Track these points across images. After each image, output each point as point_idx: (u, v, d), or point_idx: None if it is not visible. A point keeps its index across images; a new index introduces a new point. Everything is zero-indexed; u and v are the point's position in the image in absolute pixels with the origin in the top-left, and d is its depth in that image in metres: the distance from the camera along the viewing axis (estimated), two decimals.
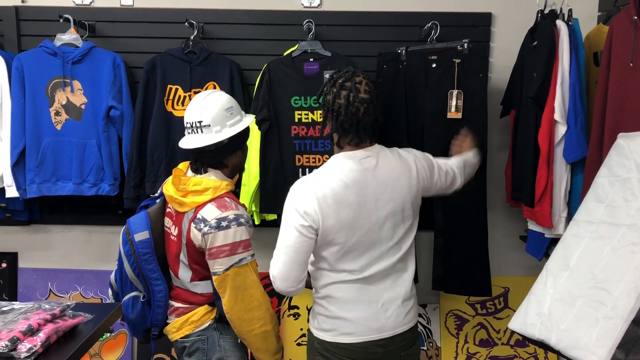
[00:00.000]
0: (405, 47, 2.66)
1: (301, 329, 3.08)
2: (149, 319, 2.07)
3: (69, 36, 2.68)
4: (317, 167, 2.67)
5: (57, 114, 2.67)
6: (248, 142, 2.67)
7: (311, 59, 2.67)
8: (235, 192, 2.11)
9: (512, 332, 3.01)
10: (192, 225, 1.91)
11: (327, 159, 2.66)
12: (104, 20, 2.88)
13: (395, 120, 2.62)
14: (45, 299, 3.08)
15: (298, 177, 2.65)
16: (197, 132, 1.97)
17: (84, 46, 2.67)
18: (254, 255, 1.97)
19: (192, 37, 2.73)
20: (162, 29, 2.88)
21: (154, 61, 2.72)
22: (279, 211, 2.68)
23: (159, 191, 2.18)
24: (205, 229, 1.86)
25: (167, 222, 2.08)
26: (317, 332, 1.93)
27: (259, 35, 2.89)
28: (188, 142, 2.00)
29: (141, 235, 1.98)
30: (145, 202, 2.17)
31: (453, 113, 2.57)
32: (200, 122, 1.96)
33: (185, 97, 2.73)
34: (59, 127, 2.68)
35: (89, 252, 3.10)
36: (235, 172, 2.11)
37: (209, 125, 1.95)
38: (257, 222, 2.77)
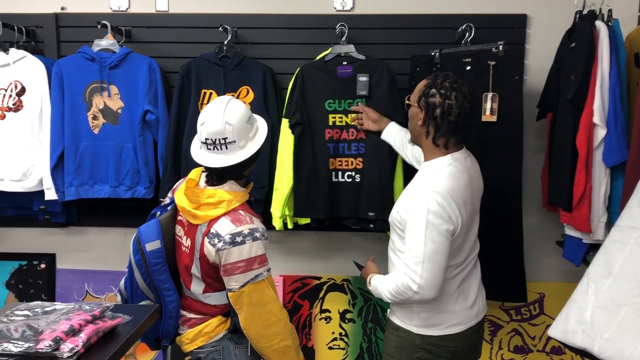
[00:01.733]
0: (439, 50, 2.64)
1: (332, 333, 3.07)
2: (160, 329, 2.03)
3: (107, 42, 2.73)
4: (350, 170, 2.70)
5: (95, 118, 2.73)
6: (281, 146, 2.73)
7: (344, 62, 2.66)
8: (249, 201, 2.08)
9: (548, 339, 2.99)
10: (206, 239, 1.86)
11: (361, 162, 2.70)
12: (139, 26, 2.93)
13: None
14: (82, 299, 3.14)
15: (331, 181, 2.71)
16: (221, 149, 1.88)
17: (120, 51, 2.72)
18: (270, 270, 1.92)
19: (225, 42, 2.76)
20: (197, 34, 2.91)
21: (188, 66, 2.75)
22: (312, 215, 2.70)
23: (169, 198, 2.15)
24: (220, 244, 1.82)
25: (179, 230, 2.04)
26: (420, 329, 1.96)
27: (292, 40, 2.90)
28: (212, 160, 1.90)
29: (152, 245, 1.91)
30: (155, 209, 2.12)
31: (488, 116, 2.54)
32: (225, 138, 1.87)
33: None
34: (96, 131, 2.73)
35: (124, 253, 3.09)
36: (249, 179, 2.09)
37: (235, 142, 1.88)
38: (289, 226, 2.78)
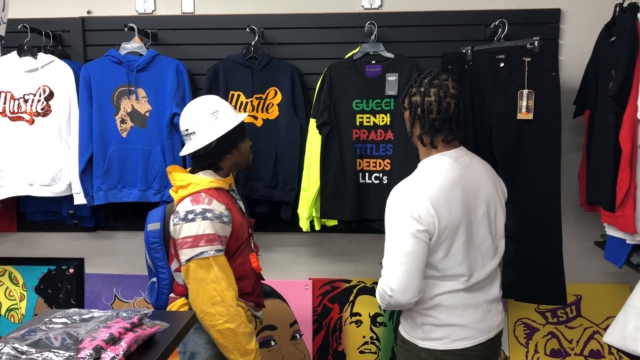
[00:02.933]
0: (471, 47, 2.57)
1: (364, 337, 3.02)
2: (154, 303, 2.23)
3: (133, 45, 2.71)
4: (378, 171, 2.65)
5: (123, 121, 2.71)
6: (308, 146, 2.69)
7: (373, 61, 2.61)
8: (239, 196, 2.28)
9: (586, 342, 2.90)
10: (172, 217, 2.04)
11: (389, 163, 2.64)
12: (166, 28, 2.91)
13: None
14: (111, 304, 3.13)
15: (358, 182, 2.67)
16: (188, 140, 2.14)
17: (147, 54, 2.70)
18: (221, 251, 1.99)
19: (253, 43, 2.73)
20: (223, 36, 2.89)
21: (216, 68, 2.72)
22: (339, 216, 2.66)
23: None
24: (175, 219, 1.99)
25: None
26: (425, 342, 1.87)
27: (320, 39, 2.86)
28: (183, 149, 2.18)
29: (153, 226, 2.15)
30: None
31: (524, 114, 2.47)
32: (187, 130, 2.13)
33: (247, 103, 2.72)
34: (124, 134, 2.71)
35: None
36: (233, 170, 2.21)
37: (195, 132, 2.10)
38: (317, 228, 2.74)
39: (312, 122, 2.66)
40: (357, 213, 2.65)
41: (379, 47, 2.62)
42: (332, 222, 2.74)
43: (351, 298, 3.05)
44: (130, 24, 2.70)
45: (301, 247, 3.06)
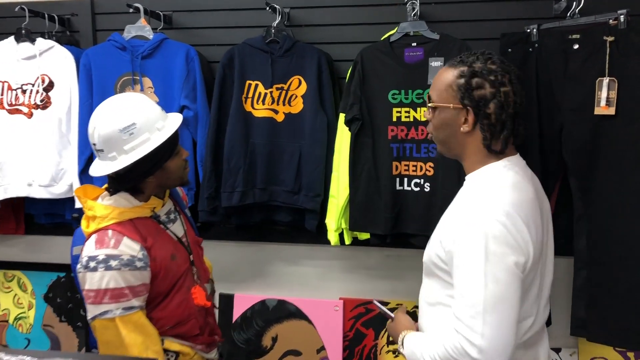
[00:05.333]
0: (537, 25, 2.10)
1: None
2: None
3: (139, 27, 2.39)
4: (418, 177, 2.20)
5: None
6: (338, 146, 2.28)
7: (414, 44, 2.17)
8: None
9: None
10: None
11: (431, 167, 2.19)
12: (181, 10, 2.57)
13: (525, 118, 2.06)
14: None
15: (395, 189, 2.21)
16: (97, 156, 1.66)
17: (154, 38, 2.37)
18: (133, 309, 1.57)
19: (274, 24, 2.34)
20: (246, 18, 2.52)
21: (231, 53, 2.36)
22: (371, 229, 2.24)
23: None
24: (78, 266, 1.59)
25: None
26: None
27: (353, 19, 2.44)
28: (90, 168, 1.71)
29: (78, 250, 1.70)
30: None
31: (603, 108, 1.97)
32: (94, 144, 1.64)
33: (266, 94, 2.34)
34: None
35: None
36: (159, 191, 1.75)
37: (103, 151, 1.61)
38: (347, 242, 2.33)
39: (342, 118, 2.25)
40: (393, 226, 2.22)
41: (421, 26, 2.17)
42: (364, 236, 2.33)
43: (389, 323, 2.61)
44: (135, 4, 2.37)
45: (331, 262, 2.66)
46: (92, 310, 1.56)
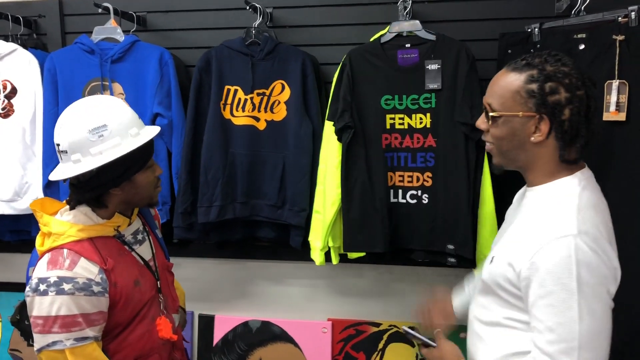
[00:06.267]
0: (539, 24, 1.95)
1: None
2: None
3: (108, 29, 2.20)
4: (415, 188, 2.03)
5: None
6: (323, 156, 2.11)
7: (407, 45, 2.00)
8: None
9: None
10: None
11: (429, 177, 2.01)
12: (156, 11, 2.40)
13: None
14: None
15: (389, 201, 2.03)
16: (60, 159, 1.48)
17: (125, 41, 2.19)
18: (86, 339, 1.38)
19: (255, 25, 2.17)
20: (226, 18, 2.35)
21: (208, 56, 2.19)
22: (368, 248, 2.06)
23: None
24: (27, 289, 1.40)
25: None
26: None
27: (341, 20, 2.28)
28: (52, 172, 1.51)
29: (31, 271, 1.49)
30: None
31: (612, 113, 1.81)
32: (58, 145, 1.45)
33: (246, 100, 2.16)
34: None
35: None
36: (125, 208, 1.54)
37: (66, 152, 1.43)
38: (334, 262, 2.15)
39: (328, 126, 2.08)
40: (391, 242, 2.05)
41: (415, 26, 2.01)
42: (355, 255, 2.15)
43: (380, 346, 2.43)
44: (104, 4, 2.19)
45: (319, 280, 2.48)
46: (39, 341, 1.37)
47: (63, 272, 1.36)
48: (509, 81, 1.29)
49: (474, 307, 1.40)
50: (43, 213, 1.48)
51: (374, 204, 2.03)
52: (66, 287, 1.35)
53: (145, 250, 1.61)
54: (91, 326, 1.39)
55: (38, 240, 1.47)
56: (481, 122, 1.37)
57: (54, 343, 1.35)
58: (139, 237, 1.61)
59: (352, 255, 2.14)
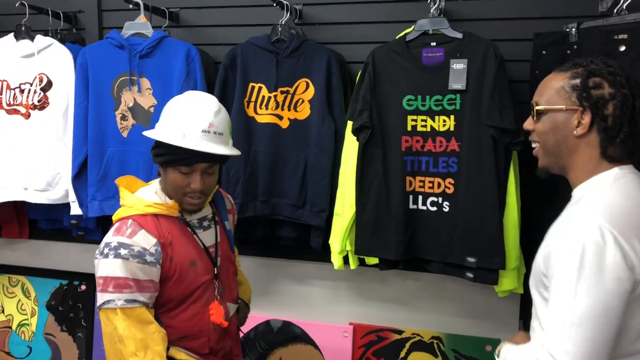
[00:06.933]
0: (577, 24, 1.84)
1: None
2: None
3: (139, 24, 2.23)
4: (436, 194, 1.95)
5: (124, 118, 2.24)
6: (344, 157, 2.06)
7: (433, 43, 1.92)
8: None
9: None
10: None
11: (451, 184, 1.93)
12: (188, 7, 2.41)
13: None
14: None
15: (408, 208, 1.96)
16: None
17: (153, 36, 2.21)
18: (136, 302, 1.47)
19: (282, 22, 2.14)
20: (257, 15, 2.34)
21: (233, 53, 2.18)
22: (379, 254, 2.00)
23: None
24: (96, 252, 1.51)
25: None
26: None
27: (372, 17, 2.23)
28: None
29: None
30: None
31: None
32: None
33: (270, 98, 2.14)
34: (125, 133, 2.24)
35: None
36: (172, 195, 1.58)
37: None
38: (352, 267, 2.10)
39: (349, 126, 2.02)
40: (406, 250, 1.97)
41: (441, 24, 1.92)
42: (372, 260, 2.09)
43: (402, 354, 2.36)
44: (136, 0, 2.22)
45: (341, 283, 2.43)
46: (99, 299, 1.48)
47: (123, 239, 1.47)
48: (555, 79, 1.33)
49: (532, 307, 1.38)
50: (123, 188, 1.62)
51: (389, 208, 1.97)
52: (123, 252, 1.45)
53: (208, 237, 1.66)
54: (142, 292, 1.47)
55: (117, 211, 1.60)
56: (528, 124, 1.39)
57: (109, 302, 1.45)
58: (205, 223, 1.67)
59: (370, 261, 2.08)
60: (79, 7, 2.53)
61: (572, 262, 1.15)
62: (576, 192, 1.33)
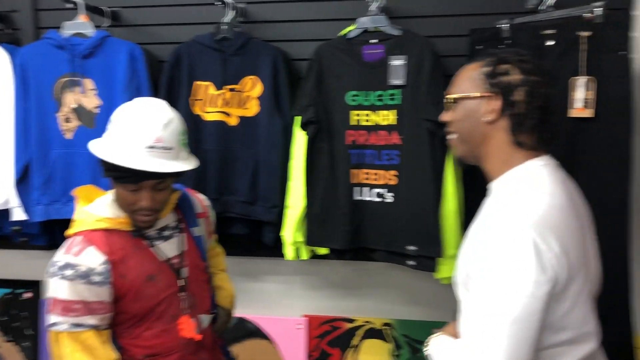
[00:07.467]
0: (509, 20, 1.93)
1: None
2: None
3: (78, 24, 2.19)
4: (379, 186, 2.02)
5: (67, 120, 2.20)
6: (293, 152, 2.10)
7: (373, 41, 1.99)
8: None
9: None
10: None
11: (395, 176, 2.01)
12: (128, 6, 2.38)
13: None
14: None
15: (354, 198, 2.03)
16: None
17: (95, 36, 2.18)
18: (82, 327, 1.41)
19: (226, 20, 2.16)
20: (200, 14, 2.33)
21: (178, 52, 2.17)
22: (328, 244, 2.06)
23: None
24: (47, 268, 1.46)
25: None
26: None
27: (314, 15, 2.26)
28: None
29: None
30: None
31: (579, 110, 1.81)
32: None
33: (217, 96, 2.15)
34: (69, 135, 2.21)
35: None
36: (123, 211, 1.49)
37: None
38: (303, 257, 2.15)
39: (298, 121, 2.07)
40: (353, 240, 2.04)
41: (381, 22, 1.99)
42: (323, 251, 2.15)
43: (355, 342, 2.43)
44: None
45: (294, 277, 2.48)
46: (47, 319, 1.43)
47: (69, 258, 1.40)
48: (468, 69, 1.34)
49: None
50: (79, 200, 1.54)
51: (336, 200, 2.03)
52: (68, 273, 1.39)
53: (170, 247, 1.57)
54: (91, 314, 1.41)
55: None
56: (443, 115, 1.40)
57: (54, 324, 1.41)
58: (166, 233, 1.58)
59: (320, 251, 2.14)
60: (13, 6, 2.45)
61: (493, 269, 1.14)
62: (493, 187, 1.32)
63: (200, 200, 1.75)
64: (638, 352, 1.92)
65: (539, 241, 1.12)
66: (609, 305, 1.79)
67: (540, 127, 1.27)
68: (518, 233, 1.13)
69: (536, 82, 1.25)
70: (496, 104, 1.27)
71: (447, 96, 1.36)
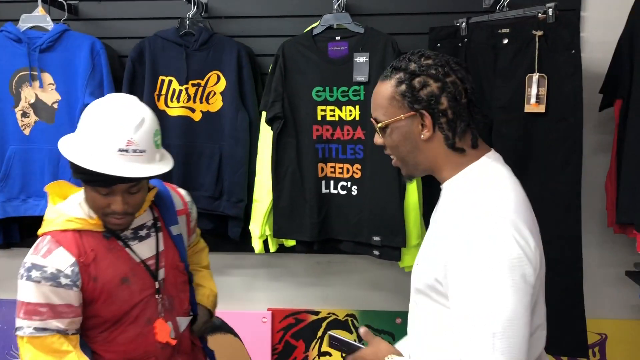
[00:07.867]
0: (466, 19, 2.01)
1: None
2: None
3: (36, 17, 2.15)
4: (345, 179, 2.07)
5: (25, 115, 2.16)
6: (260, 146, 2.13)
7: (337, 37, 2.03)
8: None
9: None
10: None
11: (359, 169, 2.06)
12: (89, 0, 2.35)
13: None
14: None
15: (321, 192, 2.08)
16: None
17: (54, 29, 2.14)
18: (47, 331, 1.34)
19: (189, 15, 2.16)
20: (161, 8, 2.33)
21: (141, 47, 2.17)
22: (296, 236, 2.11)
23: None
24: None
25: None
26: None
27: (278, 11, 2.30)
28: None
29: None
30: None
31: (533, 105, 1.90)
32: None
33: (181, 90, 2.15)
34: (27, 131, 2.16)
35: None
36: (95, 213, 1.41)
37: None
38: (272, 249, 2.19)
39: (263, 116, 2.10)
40: (320, 232, 2.09)
41: (344, 19, 2.04)
42: (290, 243, 2.18)
43: (319, 333, 2.48)
44: None
45: (258, 270, 2.51)
46: (16, 322, 1.37)
47: (37, 259, 1.34)
48: (383, 90, 1.26)
49: (411, 304, 1.36)
50: (51, 197, 1.48)
51: (303, 193, 2.08)
52: (34, 274, 1.32)
53: (145, 248, 1.49)
54: (58, 318, 1.34)
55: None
56: (377, 138, 1.32)
57: (19, 329, 1.35)
58: (142, 233, 1.49)
59: (288, 243, 2.18)
60: None
61: (481, 268, 1.09)
62: (446, 187, 1.28)
63: (181, 196, 1.64)
64: (590, 334, 2.04)
65: (518, 237, 1.10)
66: (564, 301, 1.92)
67: (472, 124, 1.24)
68: (497, 232, 1.10)
69: (453, 82, 1.21)
70: (427, 119, 1.21)
71: (377, 125, 1.28)
